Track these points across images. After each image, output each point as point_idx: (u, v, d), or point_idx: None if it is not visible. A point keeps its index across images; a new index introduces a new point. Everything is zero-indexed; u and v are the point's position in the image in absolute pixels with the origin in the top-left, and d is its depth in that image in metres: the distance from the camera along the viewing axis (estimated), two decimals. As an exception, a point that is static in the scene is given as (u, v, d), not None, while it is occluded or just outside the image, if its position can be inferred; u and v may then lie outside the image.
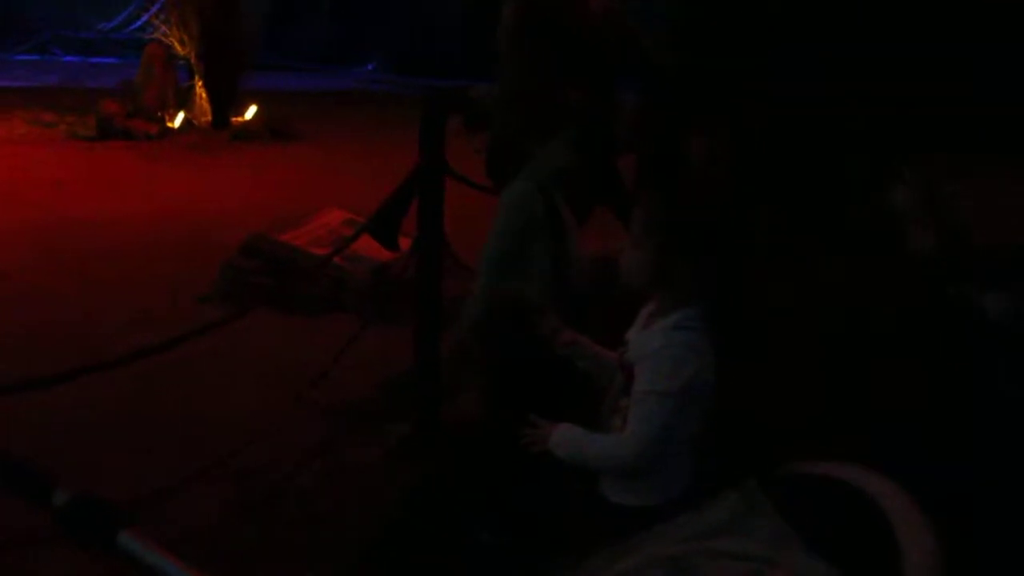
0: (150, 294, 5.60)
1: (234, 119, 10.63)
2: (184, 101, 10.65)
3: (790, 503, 0.74)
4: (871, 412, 3.89)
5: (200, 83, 10.72)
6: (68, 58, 15.36)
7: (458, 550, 3.41)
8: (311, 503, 3.64)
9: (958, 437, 2.93)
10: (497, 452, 3.25)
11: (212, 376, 4.52)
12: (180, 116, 10.42)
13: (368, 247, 5.08)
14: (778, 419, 4.03)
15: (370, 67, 15.96)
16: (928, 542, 0.71)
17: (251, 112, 10.68)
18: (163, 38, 10.88)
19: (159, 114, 10.30)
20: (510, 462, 3.24)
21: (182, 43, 10.72)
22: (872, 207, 3.24)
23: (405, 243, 5.19)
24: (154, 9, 11.42)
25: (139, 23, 15.16)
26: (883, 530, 0.71)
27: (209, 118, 10.63)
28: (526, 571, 3.24)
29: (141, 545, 1.24)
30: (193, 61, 10.74)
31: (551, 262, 3.27)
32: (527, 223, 3.24)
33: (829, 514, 0.73)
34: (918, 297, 2.95)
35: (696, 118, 5.09)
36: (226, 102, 10.64)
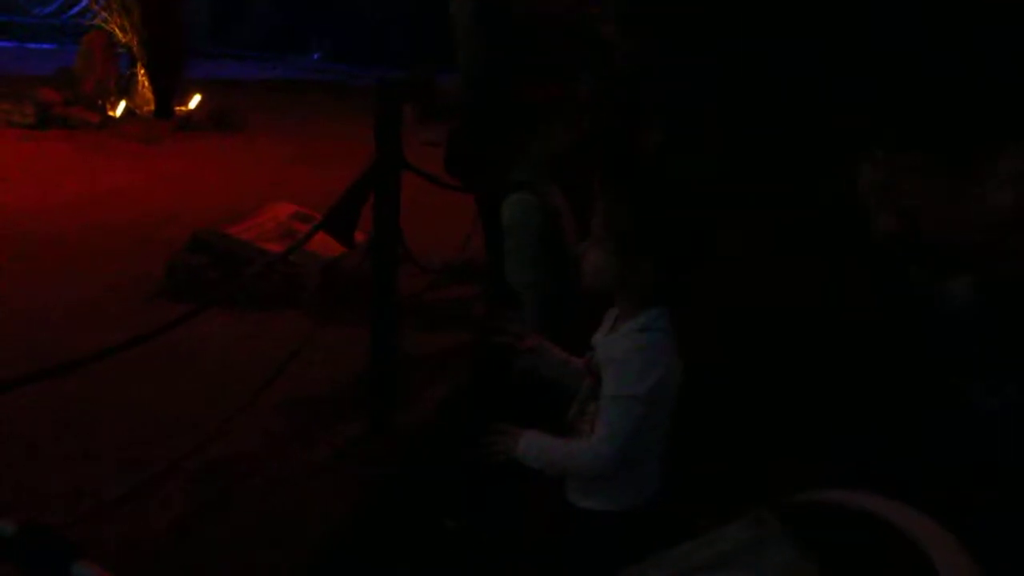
0: (95, 289, 5.46)
1: (178, 108, 10.40)
2: (126, 90, 10.39)
3: (805, 533, 0.70)
4: (836, 408, 3.92)
5: (142, 71, 10.46)
6: (3, 43, 14.95)
7: (424, 538, 3.39)
8: (264, 506, 3.56)
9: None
10: (463, 451, 3.24)
11: (161, 376, 4.41)
12: (122, 105, 10.18)
13: (320, 241, 4.99)
14: (741, 415, 4.05)
15: (315, 56, 15.77)
16: (968, 566, 0.68)
17: (195, 101, 10.47)
18: (103, 24, 10.61)
19: (100, 103, 10.04)
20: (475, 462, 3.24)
21: (123, 30, 10.45)
22: (841, 184, 3.25)
23: (359, 236, 5.12)
24: (94, -6, 11.15)
25: (77, 8, 14.85)
26: (919, 564, 0.67)
27: (152, 107, 10.39)
28: (492, 559, 3.23)
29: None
30: (135, 48, 10.47)
31: (550, 263, 3.24)
32: (537, 232, 3.20)
33: (851, 545, 0.69)
34: (878, 280, 2.95)
35: (651, 113, 5.08)
36: (169, 91, 10.40)
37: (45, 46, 14.55)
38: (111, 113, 10.06)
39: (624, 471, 2.30)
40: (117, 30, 10.46)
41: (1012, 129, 2.64)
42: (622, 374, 2.24)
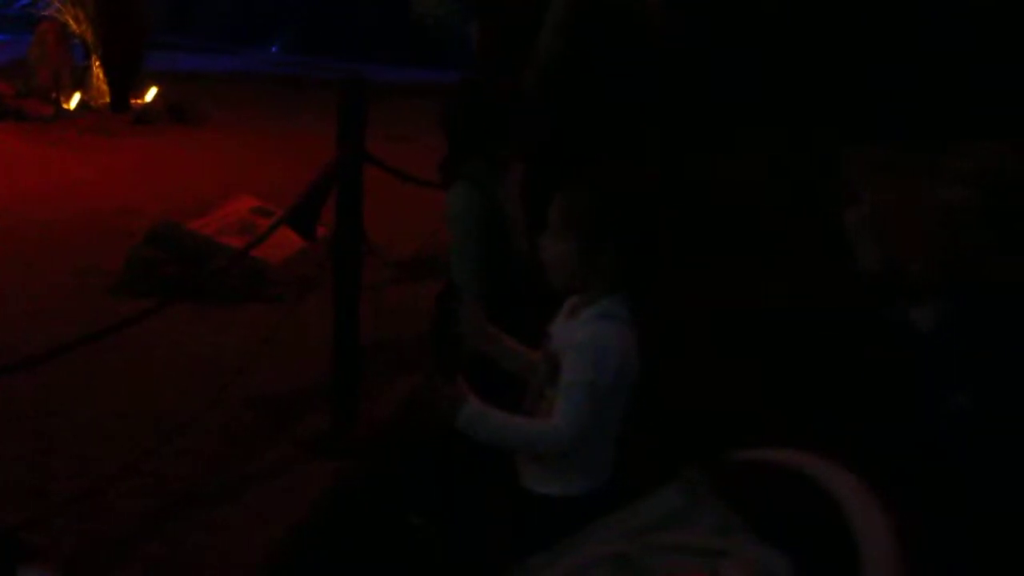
0: (50, 285, 5.38)
1: (134, 101, 10.24)
2: (80, 81, 10.22)
3: (735, 491, 0.71)
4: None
5: (97, 63, 10.30)
6: (-46, 34, 14.68)
7: (389, 534, 3.38)
8: (226, 503, 3.53)
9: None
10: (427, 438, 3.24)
11: (122, 373, 4.36)
12: (76, 97, 10.01)
13: (282, 235, 4.95)
14: (705, 407, 4.09)
15: (274, 48, 15.65)
16: (885, 529, 0.69)
17: (152, 94, 10.31)
18: (57, 14, 10.42)
19: (53, 95, 9.86)
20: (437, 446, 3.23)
21: (77, 20, 10.28)
22: (825, 219, 3.28)
23: (321, 230, 5.09)
24: (47, -17, 10.95)
25: (30, -2, 14.60)
26: (835, 515, 0.69)
27: (107, 100, 10.21)
28: (456, 554, 3.23)
29: None
30: (90, 39, 10.31)
31: (492, 257, 3.23)
32: (475, 224, 3.20)
33: (776, 500, 0.71)
34: (857, 308, 2.99)
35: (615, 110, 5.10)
36: (125, 83, 10.23)
37: (-3, 37, 14.31)
38: (65, 106, 9.89)
39: (581, 456, 2.33)
40: (71, 20, 10.28)
41: (963, 128, 2.67)
42: (580, 361, 2.25)
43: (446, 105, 3.29)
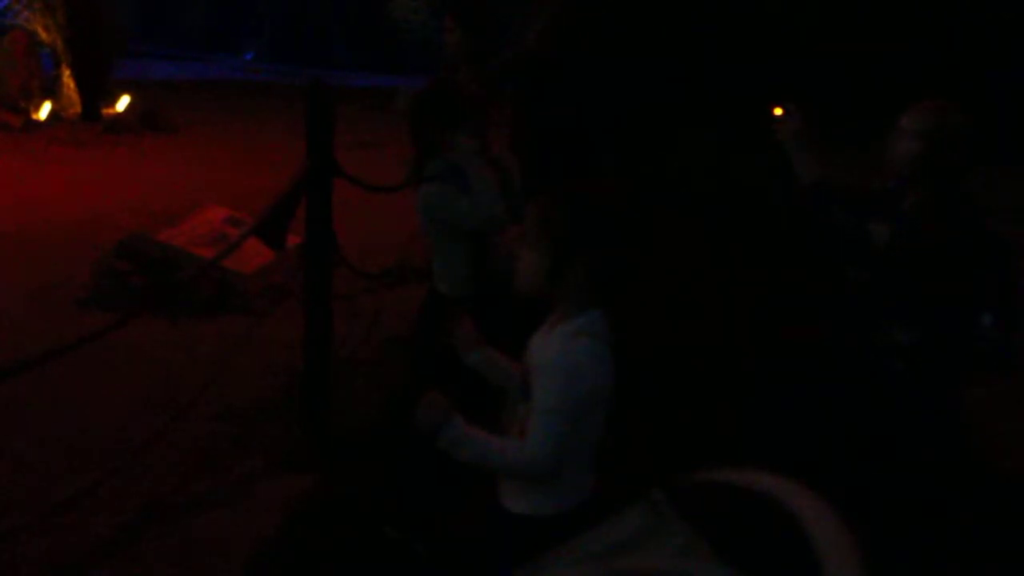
0: (19, 297, 5.30)
1: (105, 110, 10.17)
2: (50, 91, 10.14)
3: (698, 512, 0.71)
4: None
5: (68, 72, 10.21)
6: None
7: (361, 543, 3.35)
8: (198, 516, 3.49)
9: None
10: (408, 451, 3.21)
11: (90, 387, 4.29)
12: (46, 107, 9.93)
13: (252, 246, 4.91)
14: (681, 419, 4.07)
15: (248, 56, 15.57)
16: (847, 547, 0.69)
17: (123, 103, 10.25)
18: (26, 23, 10.33)
19: (22, 105, 9.78)
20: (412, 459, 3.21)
21: (47, 29, 10.20)
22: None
23: (292, 239, 5.04)
24: (15, -8, 10.85)
25: (-1, 7, 14.47)
26: (798, 536, 0.68)
27: (78, 109, 10.15)
28: (433, 568, 3.21)
29: None
30: (59, 48, 10.22)
31: (473, 260, 3.23)
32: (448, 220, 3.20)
33: (740, 522, 0.71)
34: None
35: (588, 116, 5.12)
36: (96, 92, 10.17)
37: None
38: (34, 116, 9.81)
39: (559, 476, 2.29)
40: (40, 29, 10.20)
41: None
42: (549, 387, 2.22)
43: (410, 104, 3.31)
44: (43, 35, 10.21)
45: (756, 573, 0.67)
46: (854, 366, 3.12)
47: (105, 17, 10.23)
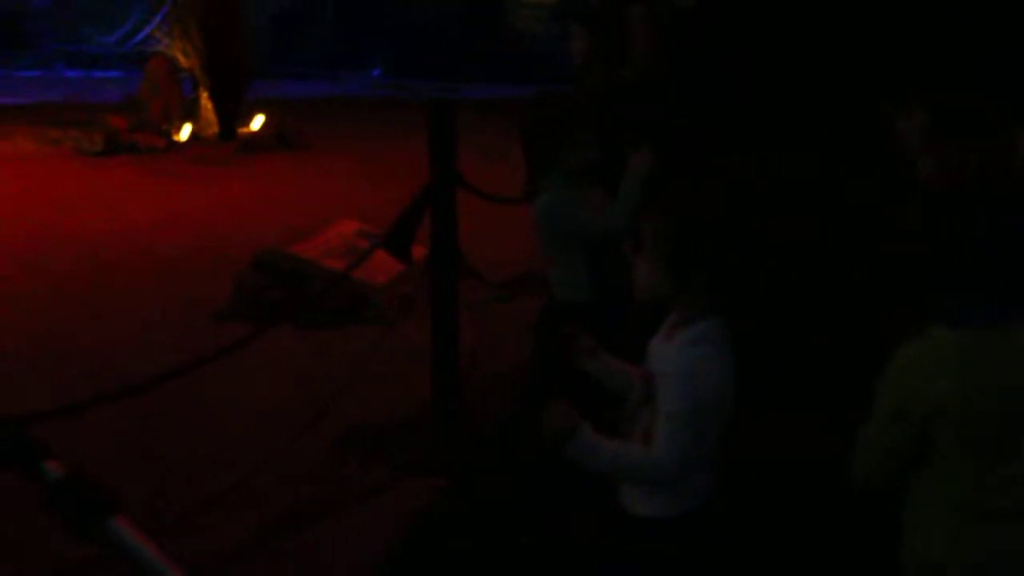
0: (161, 311, 5.55)
1: (241, 130, 10.57)
2: (190, 113, 10.60)
3: None
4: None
5: (205, 94, 10.66)
6: (70, 72, 15.31)
7: (492, 549, 3.38)
8: (329, 523, 3.59)
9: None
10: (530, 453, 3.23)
11: (228, 397, 4.46)
12: (186, 129, 10.38)
13: (383, 258, 5.02)
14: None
15: (376, 72, 15.91)
16: None
17: (258, 122, 10.62)
18: (166, 50, 10.82)
19: (165, 127, 10.25)
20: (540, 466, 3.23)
21: (185, 55, 10.66)
22: None
23: (419, 251, 5.13)
24: (156, 21, 11.36)
25: (141, 36, 15.15)
26: None
27: (216, 129, 10.57)
28: (560, 571, 3.22)
29: (129, 535, 1.19)
30: (197, 72, 10.67)
31: (591, 267, 3.25)
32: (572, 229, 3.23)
33: None
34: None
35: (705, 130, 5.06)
36: (232, 113, 10.58)
37: (111, 74, 14.88)
38: (176, 137, 10.26)
39: (682, 479, 2.29)
40: (180, 55, 10.66)
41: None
42: (673, 393, 2.23)
43: (521, 120, 3.34)
44: (182, 60, 10.67)
45: None
46: None
47: (239, 41, 10.63)
